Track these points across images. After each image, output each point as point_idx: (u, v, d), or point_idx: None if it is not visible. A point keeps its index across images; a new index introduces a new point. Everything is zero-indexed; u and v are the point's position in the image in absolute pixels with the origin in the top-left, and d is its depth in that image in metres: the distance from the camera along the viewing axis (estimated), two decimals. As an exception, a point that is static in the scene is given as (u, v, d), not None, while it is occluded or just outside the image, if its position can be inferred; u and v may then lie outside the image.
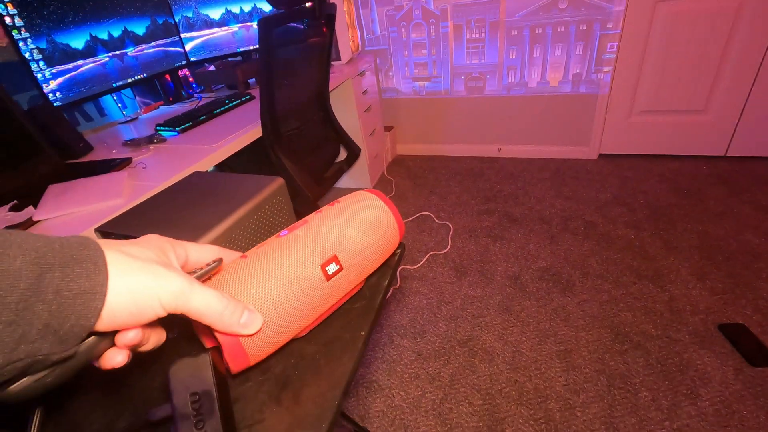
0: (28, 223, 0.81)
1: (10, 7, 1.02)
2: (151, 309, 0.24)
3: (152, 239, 0.28)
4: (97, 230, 0.40)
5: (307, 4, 1.32)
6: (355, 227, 0.35)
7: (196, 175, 0.48)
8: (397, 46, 2.35)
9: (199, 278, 0.28)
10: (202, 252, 0.31)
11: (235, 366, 0.29)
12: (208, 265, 0.29)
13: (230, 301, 0.27)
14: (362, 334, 0.34)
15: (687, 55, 1.92)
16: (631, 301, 1.35)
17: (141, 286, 0.23)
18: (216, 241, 0.37)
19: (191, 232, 0.36)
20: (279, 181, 0.42)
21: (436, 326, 1.36)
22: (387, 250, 0.38)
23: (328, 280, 0.33)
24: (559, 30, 2.03)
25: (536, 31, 2.06)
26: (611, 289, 1.41)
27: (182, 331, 0.34)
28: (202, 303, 0.26)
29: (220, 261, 0.30)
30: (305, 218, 0.36)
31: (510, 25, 2.09)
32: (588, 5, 1.93)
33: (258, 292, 0.30)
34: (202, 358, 0.27)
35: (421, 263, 1.66)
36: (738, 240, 1.56)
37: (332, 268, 0.33)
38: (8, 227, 0.80)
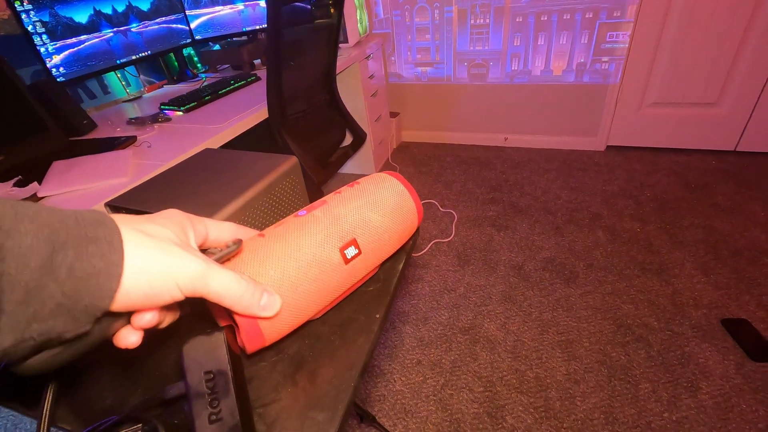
0: (33, 200, 0.80)
1: (12, -23, 0.99)
2: (167, 292, 0.23)
3: (172, 215, 0.27)
4: (107, 205, 0.39)
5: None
6: (375, 210, 0.34)
7: (208, 152, 0.47)
8: (401, 30, 2.30)
9: (218, 260, 0.27)
10: (222, 229, 0.30)
11: (250, 346, 0.29)
12: (227, 246, 0.28)
13: (249, 283, 0.27)
14: (377, 317, 0.34)
15: (703, 45, 1.87)
16: (635, 293, 1.35)
17: (158, 267, 0.22)
18: (229, 220, 0.36)
19: (204, 209, 0.35)
20: (293, 160, 0.41)
21: (439, 313, 1.36)
22: (405, 235, 0.37)
23: (346, 264, 0.32)
24: (564, 17, 1.98)
25: (542, 18, 2.02)
26: (615, 281, 1.41)
27: (195, 309, 0.34)
28: (221, 286, 0.25)
29: (240, 243, 0.29)
30: (324, 198, 0.35)
31: (515, 11, 2.05)
32: None
33: (276, 274, 0.29)
34: (216, 336, 0.27)
35: (424, 251, 1.65)
36: (745, 236, 1.55)
37: (351, 251, 0.32)
38: (13, 203, 0.79)
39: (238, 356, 0.29)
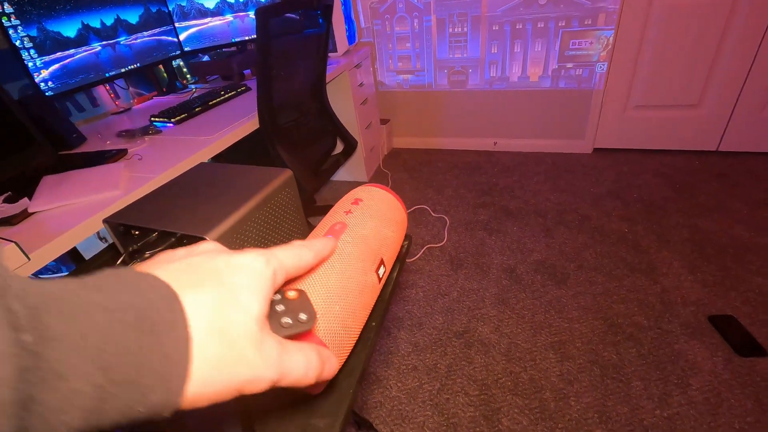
0: (23, 215, 0.80)
1: (-1, -7, 0.99)
2: (227, 397, 0.20)
3: (258, 275, 0.22)
4: (104, 221, 0.39)
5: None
6: (388, 227, 0.36)
7: (202, 166, 0.47)
8: (382, 39, 2.35)
9: (287, 336, 0.24)
10: (298, 265, 0.26)
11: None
12: (299, 321, 0.25)
13: (316, 360, 0.24)
14: (373, 324, 0.35)
15: (682, 49, 1.93)
16: (625, 293, 1.38)
17: (223, 384, 0.19)
18: (225, 235, 0.36)
19: (201, 225, 0.36)
20: (287, 173, 0.42)
21: (433, 318, 1.37)
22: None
23: (379, 283, 0.34)
24: (539, 26, 2.05)
25: (517, 27, 2.08)
26: (605, 282, 1.43)
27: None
28: (290, 382, 0.23)
29: (314, 317, 0.26)
30: (339, 220, 0.36)
31: (491, 20, 2.10)
32: (567, 2, 1.95)
33: (341, 308, 0.30)
34: None
35: (417, 256, 1.67)
36: (729, 234, 1.59)
37: (381, 270, 0.34)
38: (3, 219, 0.79)
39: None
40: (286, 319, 0.24)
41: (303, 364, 0.23)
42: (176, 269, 0.20)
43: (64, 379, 0.14)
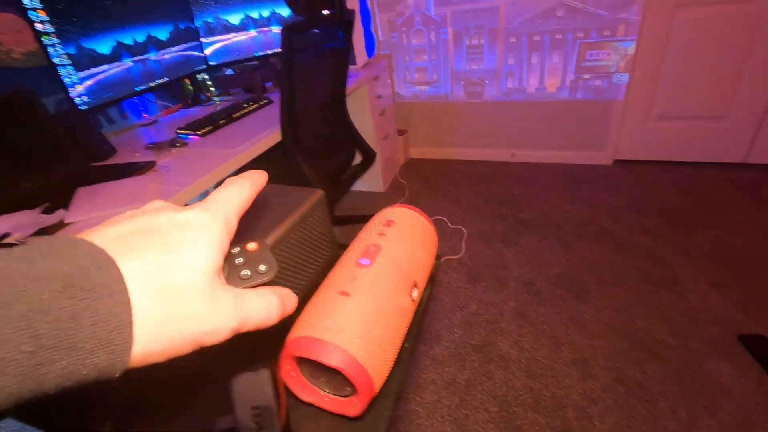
0: (60, 226, 0.83)
1: (41, 13, 1.05)
2: (186, 351, 0.20)
3: (208, 227, 0.22)
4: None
5: (325, 12, 1.33)
6: (420, 248, 0.37)
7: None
8: (398, 51, 2.38)
9: (249, 286, 0.24)
10: (247, 198, 0.25)
11: (365, 398, 0.30)
12: (259, 273, 0.25)
13: (276, 302, 0.24)
14: (407, 345, 0.35)
15: (706, 60, 1.90)
16: (648, 309, 1.34)
17: (177, 339, 0.19)
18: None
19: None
20: (319, 193, 0.43)
21: (451, 331, 1.36)
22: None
23: (412, 305, 0.35)
24: (556, 37, 2.04)
25: (534, 38, 2.09)
26: (627, 297, 1.40)
27: (242, 343, 0.35)
28: (253, 326, 0.23)
29: (274, 269, 0.25)
30: (373, 242, 0.37)
31: (508, 32, 2.11)
32: (585, 14, 1.94)
33: (379, 332, 0.31)
34: (263, 372, 0.28)
35: (434, 268, 1.66)
36: (755, 249, 1.54)
37: (415, 293, 0.35)
38: (41, 230, 0.82)
39: (278, 391, 0.30)
40: (245, 272, 0.24)
41: (263, 307, 0.23)
42: (115, 233, 0.20)
43: None
